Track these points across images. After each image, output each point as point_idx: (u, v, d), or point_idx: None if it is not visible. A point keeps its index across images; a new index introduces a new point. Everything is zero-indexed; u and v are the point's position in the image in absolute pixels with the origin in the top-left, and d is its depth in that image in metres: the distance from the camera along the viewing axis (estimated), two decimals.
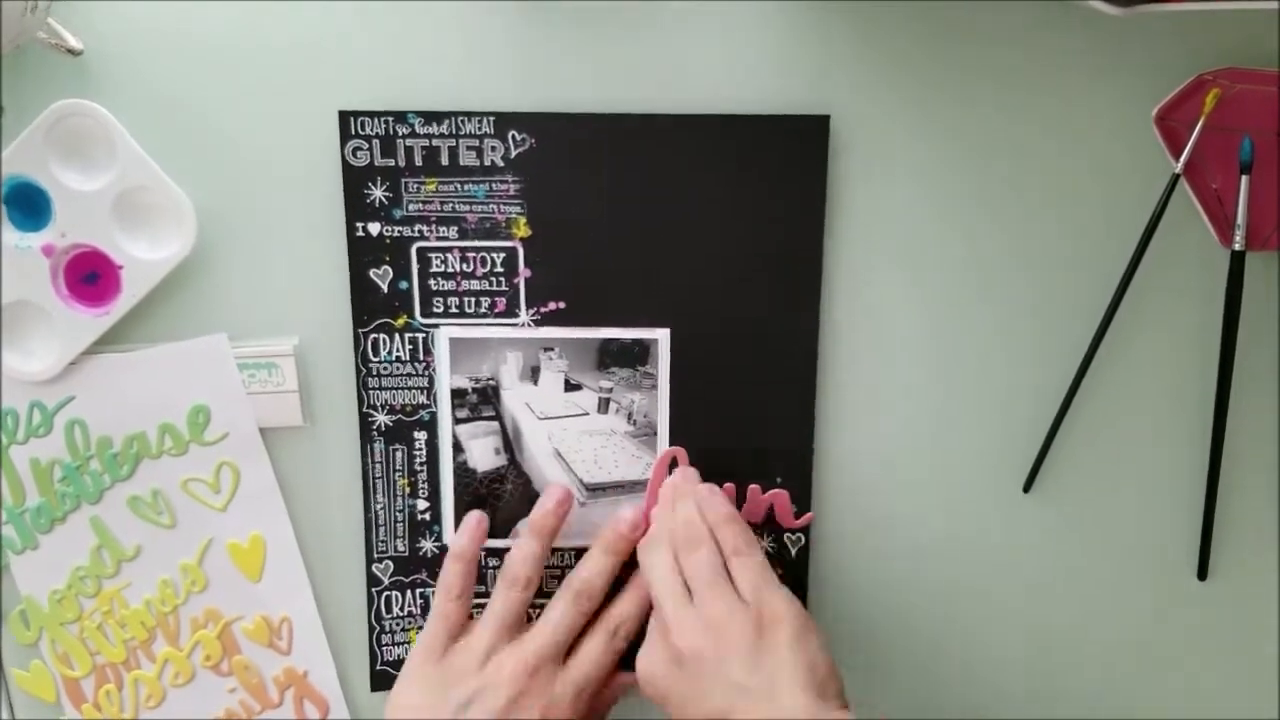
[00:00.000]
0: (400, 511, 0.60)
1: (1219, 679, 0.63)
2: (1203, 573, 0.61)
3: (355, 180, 0.56)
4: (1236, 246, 0.56)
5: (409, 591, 0.61)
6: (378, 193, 0.56)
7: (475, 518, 0.59)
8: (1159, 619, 0.62)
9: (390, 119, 0.55)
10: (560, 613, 0.56)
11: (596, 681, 0.56)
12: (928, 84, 0.56)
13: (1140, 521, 0.61)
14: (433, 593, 0.61)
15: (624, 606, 0.58)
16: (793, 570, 0.61)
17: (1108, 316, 0.57)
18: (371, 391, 0.59)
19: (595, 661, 0.56)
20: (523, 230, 0.57)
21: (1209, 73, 0.55)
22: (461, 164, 0.56)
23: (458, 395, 0.59)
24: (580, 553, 0.60)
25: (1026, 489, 0.60)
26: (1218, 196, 0.56)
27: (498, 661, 0.55)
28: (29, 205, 0.55)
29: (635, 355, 0.58)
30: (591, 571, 0.57)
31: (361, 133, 0.55)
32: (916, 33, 0.55)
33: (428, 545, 0.60)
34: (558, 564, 0.61)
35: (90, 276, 0.57)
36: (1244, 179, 0.55)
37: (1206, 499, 0.60)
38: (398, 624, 0.61)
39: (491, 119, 0.56)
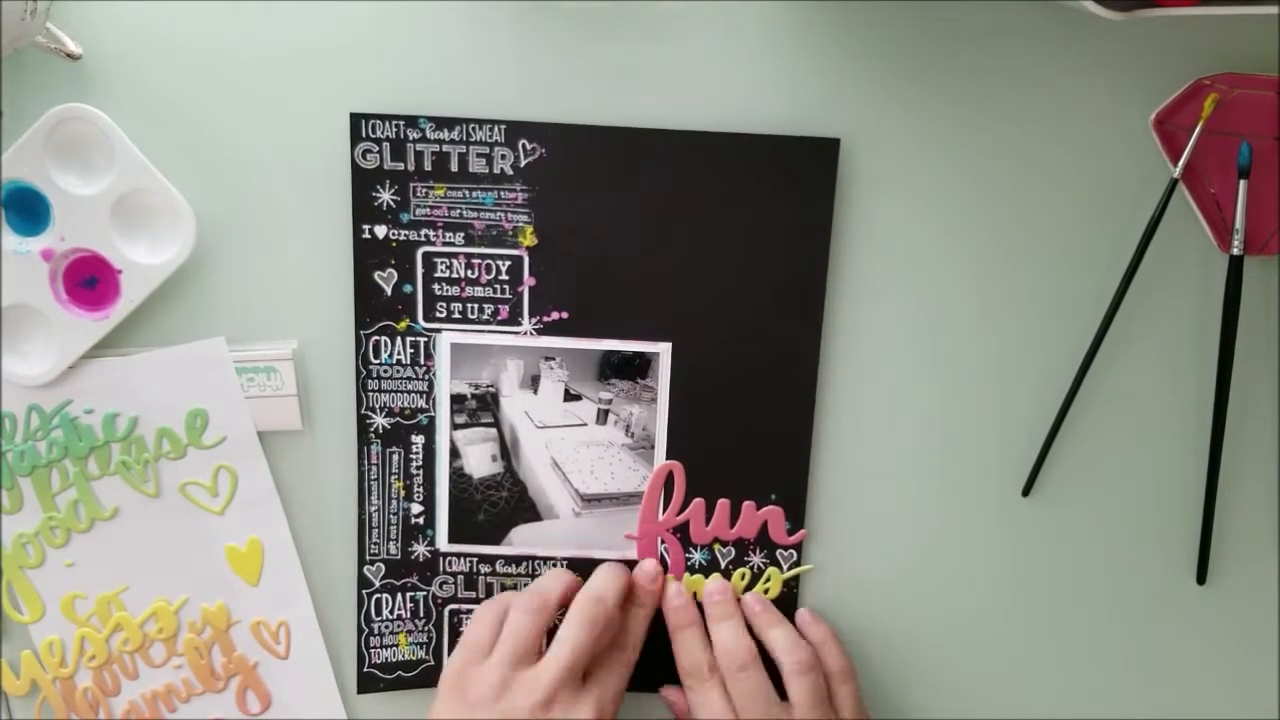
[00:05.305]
0: (394, 514, 0.60)
1: (1218, 683, 0.63)
2: (1202, 577, 0.61)
3: (363, 183, 0.56)
4: (1235, 251, 0.56)
5: (399, 595, 0.61)
6: (385, 196, 0.56)
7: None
8: (1158, 623, 0.62)
9: (401, 123, 0.55)
10: (573, 636, 0.54)
11: (616, 698, 0.56)
12: (934, 101, 0.56)
13: (1140, 526, 0.61)
14: (423, 596, 0.61)
15: (634, 623, 0.58)
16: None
17: (1106, 321, 0.57)
18: (371, 394, 0.58)
19: (613, 680, 0.56)
20: (529, 239, 0.57)
21: (1207, 77, 0.55)
22: (471, 171, 0.56)
23: (457, 400, 0.59)
24: (572, 564, 0.60)
25: (1026, 493, 0.60)
26: (1216, 201, 0.56)
27: (510, 699, 0.53)
28: (28, 209, 0.55)
29: (636, 368, 0.58)
30: (604, 589, 0.57)
31: (372, 135, 0.55)
32: (924, 51, 0.55)
33: (420, 549, 0.60)
34: None
35: (89, 281, 0.56)
36: (1242, 184, 0.55)
37: (1206, 503, 0.60)
38: (387, 627, 0.61)
39: (503, 127, 0.55)
